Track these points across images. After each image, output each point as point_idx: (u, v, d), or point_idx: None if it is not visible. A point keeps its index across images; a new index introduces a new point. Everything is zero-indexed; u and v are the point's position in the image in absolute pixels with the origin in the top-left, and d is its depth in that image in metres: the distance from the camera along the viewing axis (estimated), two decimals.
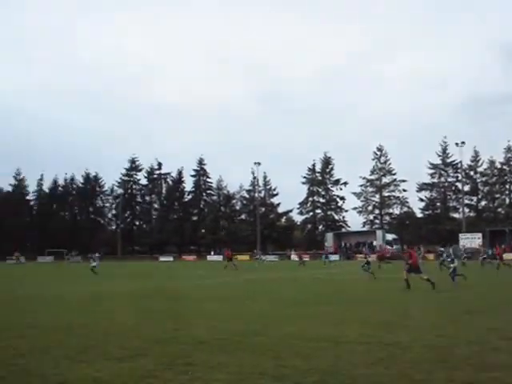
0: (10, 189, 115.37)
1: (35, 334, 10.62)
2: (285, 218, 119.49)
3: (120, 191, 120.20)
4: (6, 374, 7.30)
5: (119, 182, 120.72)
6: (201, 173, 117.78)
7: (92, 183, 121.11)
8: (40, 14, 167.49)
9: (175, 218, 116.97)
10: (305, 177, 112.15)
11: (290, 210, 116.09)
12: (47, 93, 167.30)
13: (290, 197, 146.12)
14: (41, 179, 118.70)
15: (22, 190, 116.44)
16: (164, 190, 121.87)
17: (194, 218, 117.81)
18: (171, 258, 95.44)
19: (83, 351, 8.80)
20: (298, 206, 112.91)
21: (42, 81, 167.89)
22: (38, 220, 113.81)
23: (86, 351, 8.79)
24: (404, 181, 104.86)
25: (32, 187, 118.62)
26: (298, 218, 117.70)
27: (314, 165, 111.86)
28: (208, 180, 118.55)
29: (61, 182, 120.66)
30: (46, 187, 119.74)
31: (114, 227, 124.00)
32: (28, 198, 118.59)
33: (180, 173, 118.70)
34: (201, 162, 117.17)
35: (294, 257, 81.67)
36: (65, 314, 13.94)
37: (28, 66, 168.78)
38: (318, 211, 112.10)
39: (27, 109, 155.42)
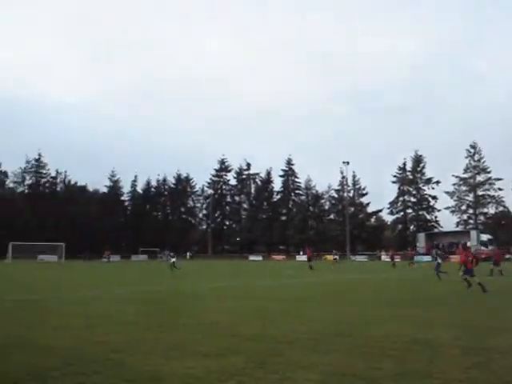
0: (105, 190, 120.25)
1: (129, 331, 10.92)
2: (374, 217, 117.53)
3: (210, 191, 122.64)
4: (102, 368, 7.52)
5: (209, 183, 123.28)
6: (289, 173, 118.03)
7: (183, 184, 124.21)
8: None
9: (264, 217, 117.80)
10: (395, 176, 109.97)
11: (380, 210, 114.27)
12: (138, 97, 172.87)
13: (380, 196, 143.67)
14: (135, 180, 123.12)
15: (117, 191, 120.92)
16: (253, 190, 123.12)
17: (283, 218, 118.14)
18: (260, 258, 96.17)
19: (175, 348, 8.95)
20: (388, 206, 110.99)
21: (131, 87, 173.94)
22: (132, 220, 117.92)
23: (178, 348, 8.93)
24: (499, 179, 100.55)
25: (126, 188, 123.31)
26: (388, 218, 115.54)
27: (404, 163, 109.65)
28: (296, 180, 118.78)
29: (153, 183, 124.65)
30: (139, 188, 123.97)
31: (204, 227, 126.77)
32: (122, 198, 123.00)
33: (269, 173, 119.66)
34: (289, 162, 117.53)
35: (384, 257, 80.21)
36: (156, 312, 14.27)
37: (116, 74, 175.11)
38: (409, 211, 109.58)
39: (117, 115, 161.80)
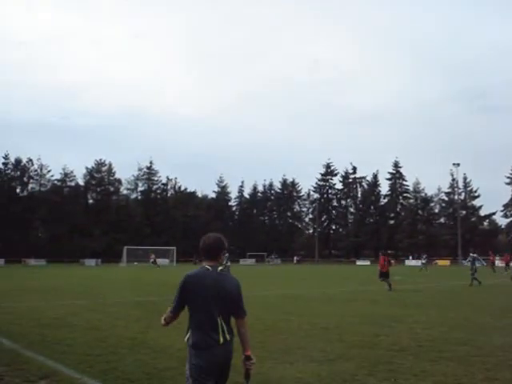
0: (213, 195, 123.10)
1: None
2: (487, 221, 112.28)
3: (316, 196, 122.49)
4: None
5: (315, 187, 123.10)
6: (396, 176, 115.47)
7: (289, 188, 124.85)
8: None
9: (371, 221, 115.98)
10: (509, 177, 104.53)
11: (494, 213, 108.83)
12: (244, 104, 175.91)
13: (493, 199, 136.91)
14: (241, 186, 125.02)
15: (225, 196, 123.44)
16: (359, 194, 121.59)
17: (391, 222, 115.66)
18: (368, 262, 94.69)
19: (285, 352, 9.06)
20: (502, 209, 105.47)
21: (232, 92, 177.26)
22: (239, 224, 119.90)
23: (289, 352, 9.04)
24: None
25: (234, 193, 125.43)
26: (502, 222, 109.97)
27: None
28: (404, 183, 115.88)
29: (260, 188, 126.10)
30: (246, 193, 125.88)
31: (311, 231, 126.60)
32: (230, 203, 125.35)
33: (375, 176, 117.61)
34: (396, 165, 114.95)
35: (498, 262, 76.46)
36: (266, 316, 14.46)
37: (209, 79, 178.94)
38: None
39: (224, 123, 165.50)
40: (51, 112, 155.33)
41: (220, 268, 4.36)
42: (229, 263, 40.24)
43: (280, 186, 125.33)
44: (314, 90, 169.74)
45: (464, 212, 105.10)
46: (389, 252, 32.39)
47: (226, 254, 41.58)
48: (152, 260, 70.20)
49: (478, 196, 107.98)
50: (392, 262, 26.81)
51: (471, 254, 29.29)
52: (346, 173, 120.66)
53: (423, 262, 64.03)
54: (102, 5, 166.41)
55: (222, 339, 4.14)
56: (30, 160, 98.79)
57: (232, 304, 4.28)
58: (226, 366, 4.28)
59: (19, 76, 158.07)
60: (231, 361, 4.28)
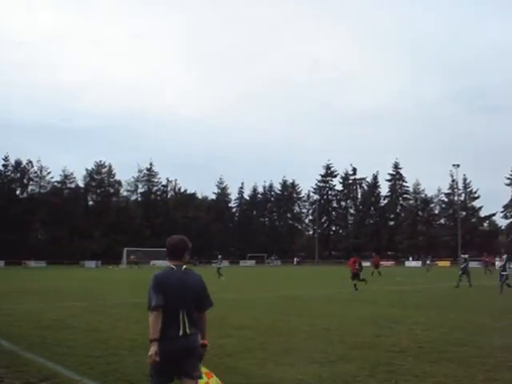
0: (213, 197, 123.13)
1: (242, 335, 11.17)
2: (487, 222, 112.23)
3: (316, 197, 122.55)
4: (215, 371, 7.70)
5: (315, 188, 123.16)
6: (396, 177, 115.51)
7: (289, 190, 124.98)
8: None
9: (371, 222, 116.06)
10: (509, 178, 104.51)
11: (494, 214, 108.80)
12: (243, 105, 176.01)
13: (493, 200, 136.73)
14: (241, 187, 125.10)
15: (225, 197, 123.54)
16: (359, 195, 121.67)
17: (391, 223, 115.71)
18: (368, 264, 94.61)
19: (287, 354, 9.06)
20: (502, 210, 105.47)
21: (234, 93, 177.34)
22: (239, 226, 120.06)
23: (290, 354, 9.04)
24: None
25: (234, 195, 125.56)
26: (502, 223, 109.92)
27: None
28: (404, 184, 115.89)
29: (260, 189, 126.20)
30: (246, 195, 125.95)
31: (311, 232, 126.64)
32: (230, 205, 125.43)
33: (375, 177, 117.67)
34: (396, 166, 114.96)
35: (498, 263, 76.43)
36: (265, 317, 14.46)
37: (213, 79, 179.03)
38: None
39: (224, 124, 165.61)
40: (51, 113, 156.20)
41: (184, 267, 4.72)
42: (221, 264, 40.14)
43: (280, 188, 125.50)
44: (313, 90, 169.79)
45: (464, 213, 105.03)
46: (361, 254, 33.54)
47: (219, 256, 41.60)
48: (133, 261, 70.41)
49: (478, 197, 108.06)
50: (362, 263, 27.91)
51: (462, 256, 29.33)
52: (346, 174, 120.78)
53: (428, 263, 63.91)
54: (102, 5, 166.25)
55: (181, 332, 4.50)
56: (30, 162, 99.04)
57: (195, 299, 4.75)
58: (188, 355, 4.56)
59: (19, 76, 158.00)
60: (195, 350, 4.61)
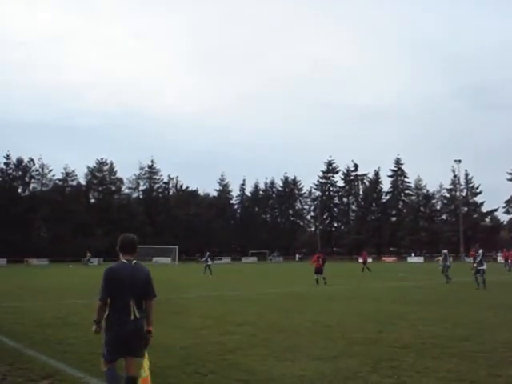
0: (215, 194, 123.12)
1: (243, 332, 11.16)
2: (489, 217, 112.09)
3: (318, 193, 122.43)
4: (216, 368, 7.75)
5: (317, 185, 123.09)
6: (398, 173, 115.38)
7: (291, 186, 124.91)
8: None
9: (373, 218, 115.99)
10: (510, 173, 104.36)
11: (495, 209, 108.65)
12: (244, 103, 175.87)
13: (495, 195, 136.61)
14: (243, 184, 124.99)
15: (227, 194, 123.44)
16: (361, 191, 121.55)
17: (393, 219, 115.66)
18: (370, 260, 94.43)
19: (288, 349, 9.05)
20: (504, 205, 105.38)
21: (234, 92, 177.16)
22: (241, 223, 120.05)
23: (291, 350, 9.02)
24: None
25: (235, 192, 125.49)
26: (504, 218, 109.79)
27: None
28: (406, 180, 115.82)
29: (261, 186, 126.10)
30: (248, 191, 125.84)
31: (312, 229, 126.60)
32: (232, 202, 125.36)
33: (377, 173, 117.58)
34: (398, 162, 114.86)
35: (500, 259, 76.35)
36: (267, 314, 14.46)
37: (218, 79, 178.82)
38: None
39: (224, 122, 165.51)
40: (52, 112, 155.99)
41: (134, 261, 5.48)
42: (210, 262, 39.59)
43: (281, 184, 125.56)
44: (314, 88, 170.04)
45: (466, 208, 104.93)
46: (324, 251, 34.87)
47: (208, 253, 41.21)
48: (87, 258, 69.99)
49: (480, 192, 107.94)
50: (325, 259, 28.89)
51: (446, 251, 29.47)
52: (348, 170, 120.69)
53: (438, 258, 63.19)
54: (103, 5, 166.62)
55: (132, 317, 5.30)
56: (32, 160, 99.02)
57: (143, 289, 5.46)
58: (137, 336, 5.37)
59: (19, 76, 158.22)
60: (142, 333, 5.41)
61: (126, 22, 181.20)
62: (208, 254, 40.33)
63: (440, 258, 30.98)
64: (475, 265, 23.84)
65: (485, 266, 23.82)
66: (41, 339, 10.33)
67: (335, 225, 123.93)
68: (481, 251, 24.69)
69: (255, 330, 11.43)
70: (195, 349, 9.23)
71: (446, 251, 29.54)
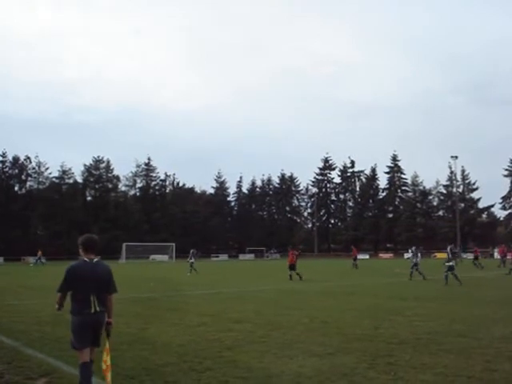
0: (212, 191, 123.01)
1: (241, 329, 11.18)
2: (486, 213, 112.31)
3: (315, 190, 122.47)
4: (214, 365, 7.77)
5: (313, 182, 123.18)
6: (395, 169, 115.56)
7: (288, 183, 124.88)
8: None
9: (370, 215, 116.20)
10: (507, 169, 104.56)
11: (492, 205, 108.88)
12: (241, 99, 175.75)
13: (492, 191, 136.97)
14: (240, 181, 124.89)
15: (224, 191, 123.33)
16: (358, 188, 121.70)
17: (390, 216, 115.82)
18: (367, 256, 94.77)
19: (286, 347, 9.08)
20: (501, 201, 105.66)
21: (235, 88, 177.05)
22: (238, 220, 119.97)
23: (289, 347, 9.05)
24: None
25: (232, 189, 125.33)
26: (500, 214, 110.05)
27: None
28: (402, 176, 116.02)
29: (258, 183, 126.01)
30: (244, 188, 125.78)
31: (309, 225, 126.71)
32: (229, 199, 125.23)
33: (373, 170, 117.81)
34: (394, 159, 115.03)
35: (496, 255, 76.51)
36: (265, 311, 14.48)
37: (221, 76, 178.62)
38: None
39: (222, 118, 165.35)
40: (49, 109, 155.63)
41: (95, 260, 6.05)
42: (193, 260, 38.79)
43: (278, 181, 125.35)
44: (312, 84, 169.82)
45: (462, 204, 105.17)
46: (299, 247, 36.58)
47: (192, 250, 40.73)
48: (38, 257, 69.16)
49: (477, 188, 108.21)
50: (298, 255, 31.07)
51: (413, 248, 29.67)
52: (345, 167, 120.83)
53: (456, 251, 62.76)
54: (102, 1, 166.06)
55: (93, 309, 5.83)
56: (28, 158, 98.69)
57: (103, 285, 5.99)
58: (98, 327, 5.94)
59: (17, 71, 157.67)
60: (103, 324, 5.95)
61: (126, 18, 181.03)
62: (192, 251, 39.69)
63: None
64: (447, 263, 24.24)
65: (452, 263, 24.34)
66: (38, 337, 10.34)
67: (332, 221, 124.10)
68: (449, 248, 25.03)
69: (252, 326, 11.45)
70: (192, 346, 9.24)
71: (413, 248, 29.82)
